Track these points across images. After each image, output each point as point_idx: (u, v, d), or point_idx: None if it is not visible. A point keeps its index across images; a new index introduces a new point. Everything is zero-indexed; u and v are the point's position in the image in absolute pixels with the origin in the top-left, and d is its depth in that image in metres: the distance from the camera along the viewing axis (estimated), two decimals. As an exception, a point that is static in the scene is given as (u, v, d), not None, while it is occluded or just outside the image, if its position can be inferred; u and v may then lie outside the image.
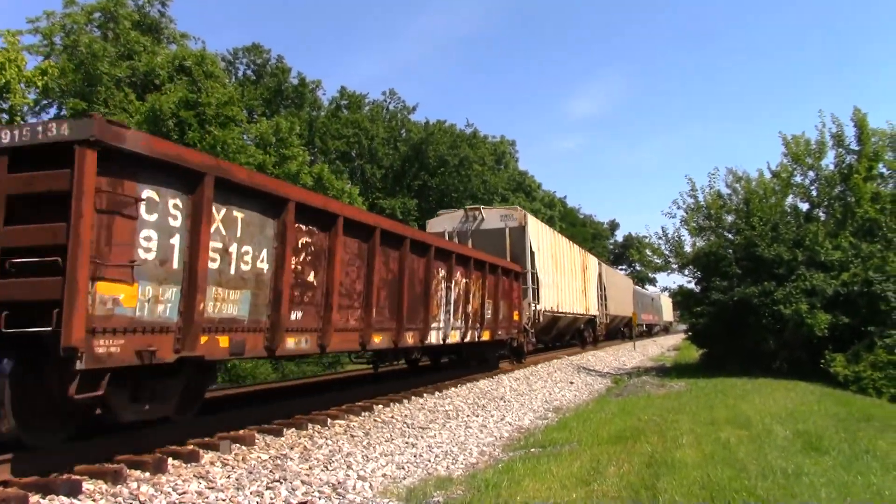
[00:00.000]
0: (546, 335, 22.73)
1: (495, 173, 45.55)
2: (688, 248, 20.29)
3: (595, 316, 28.70)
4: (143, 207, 5.51)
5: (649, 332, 53.49)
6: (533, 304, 18.37)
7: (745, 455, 6.93)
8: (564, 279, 22.83)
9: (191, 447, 6.54)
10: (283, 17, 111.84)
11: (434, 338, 11.65)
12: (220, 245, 6.38)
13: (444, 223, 19.01)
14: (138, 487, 5.27)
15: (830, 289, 16.63)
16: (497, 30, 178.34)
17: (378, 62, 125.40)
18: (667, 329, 70.59)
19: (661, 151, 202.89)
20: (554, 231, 23.37)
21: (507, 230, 18.35)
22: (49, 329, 4.80)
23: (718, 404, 11.05)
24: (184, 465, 6.11)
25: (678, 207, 20.22)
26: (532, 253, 18.51)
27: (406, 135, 44.77)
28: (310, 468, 6.41)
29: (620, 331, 41.62)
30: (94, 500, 4.94)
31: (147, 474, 5.68)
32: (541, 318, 18.97)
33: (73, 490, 4.98)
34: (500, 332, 15.41)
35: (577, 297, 25.01)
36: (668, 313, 67.63)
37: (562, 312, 22.01)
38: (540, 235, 20.07)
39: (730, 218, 19.58)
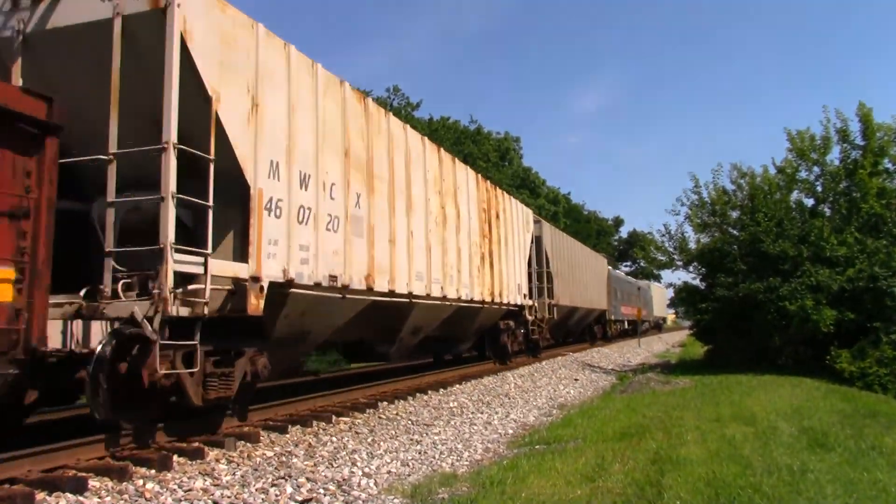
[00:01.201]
0: (400, 349, 12.09)
1: (499, 169, 45.50)
2: (692, 245, 20.26)
3: (522, 307, 17.26)
4: None
5: (635, 330, 41.47)
6: (196, 267, 6.29)
7: (751, 452, 6.91)
8: (412, 218, 10.76)
9: (196, 444, 6.55)
10: (285, 13, 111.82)
11: None
12: None
13: None
14: (144, 484, 5.28)
15: (836, 284, 16.56)
16: (500, 25, 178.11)
17: (381, 58, 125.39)
18: (659, 326, 59.34)
19: (666, 146, 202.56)
20: (349, 88, 9.27)
21: (119, 22, 6.31)
22: None
23: (723, 401, 11.02)
24: (189, 462, 6.12)
25: (682, 204, 20.18)
26: (193, 86, 6.40)
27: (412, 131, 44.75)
28: (315, 465, 6.42)
29: (591, 329, 31.48)
30: (100, 498, 4.95)
31: (153, 471, 5.68)
32: (287, 312, 7.84)
33: (79, 487, 4.99)
34: None
35: (465, 268, 13.00)
36: (659, 307, 57.36)
37: (400, 295, 10.22)
38: (258, 54, 7.35)
39: (734, 214, 19.50)
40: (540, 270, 19.95)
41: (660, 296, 56.51)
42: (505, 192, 17.26)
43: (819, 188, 19.43)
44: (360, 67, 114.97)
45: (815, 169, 19.39)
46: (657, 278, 75.43)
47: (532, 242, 19.01)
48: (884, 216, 17.84)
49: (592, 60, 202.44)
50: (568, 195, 65.51)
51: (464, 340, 15.99)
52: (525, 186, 49.37)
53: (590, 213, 75.87)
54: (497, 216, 15.70)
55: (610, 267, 36.44)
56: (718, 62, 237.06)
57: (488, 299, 14.52)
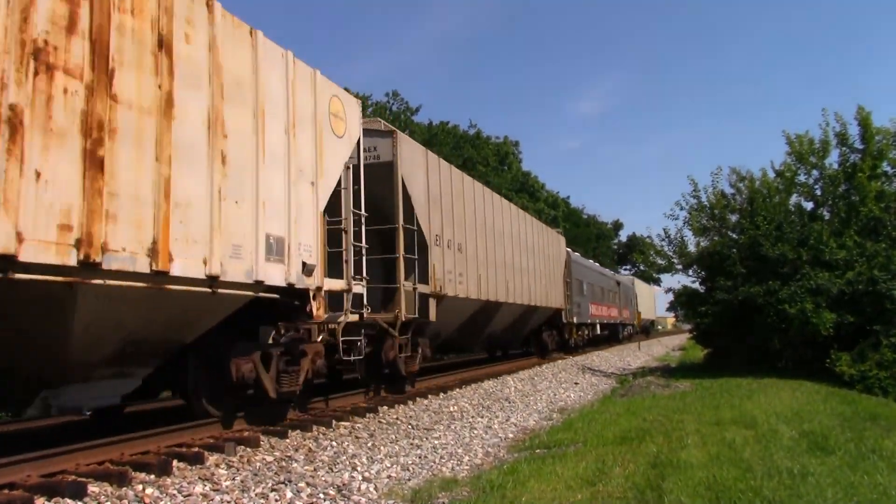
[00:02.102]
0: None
1: (499, 174, 45.53)
2: (692, 248, 20.26)
3: (302, 292, 7.72)
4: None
5: (615, 336, 33.40)
6: None
7: (751, 455, 6.91)
8: None
9: (196, 449, 6.54)
10: (284, 18, 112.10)
11: None
12: None
13: None
14: (143, 489, 5.27)
15: (835, 288, 16.57)
16: (499, 30, 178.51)
17: (381, 63, 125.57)
18: (647, 330, 49.77)
19: (665, 149, 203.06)
20: None
21: None
22: None
23: (724, 404, 11.02)
24: (189, 466, 6.11)
25: (681, 208, 20.19)
26: None
27: (409, 136, 44.77)
28: (314, 470, 6.41)
29: (538, 336, 21.76)
30: (99, 503, 4.94)
31: (152, 476, 5.67)
32: None
33: (79, 492, 4.98)
34: None
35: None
36: (647, 307, 48.89)
37: None
38: None
39: (734, 217, 19.52)
40: (391, 228, 10.97)
41: (647, 295, 49.17)
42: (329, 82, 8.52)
43: (818, 191, 19.47)
44: (359, 72, 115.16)
45: (814, 172, 19.43)
46: (657, 282, 75.43)
47: (356, 157, 9.35)
48: (883, 219, 17.87)
49: (592, 64, 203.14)
50: (567, 199, 65.55)
51: (83, 375, 5.93)
52: (524, 190, 49.41)
53: (589, 217, 75.85)
54: (166, 47, 5.78)
55: (573, 251, 26.64)
56: (719, 65, 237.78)
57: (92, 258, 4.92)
